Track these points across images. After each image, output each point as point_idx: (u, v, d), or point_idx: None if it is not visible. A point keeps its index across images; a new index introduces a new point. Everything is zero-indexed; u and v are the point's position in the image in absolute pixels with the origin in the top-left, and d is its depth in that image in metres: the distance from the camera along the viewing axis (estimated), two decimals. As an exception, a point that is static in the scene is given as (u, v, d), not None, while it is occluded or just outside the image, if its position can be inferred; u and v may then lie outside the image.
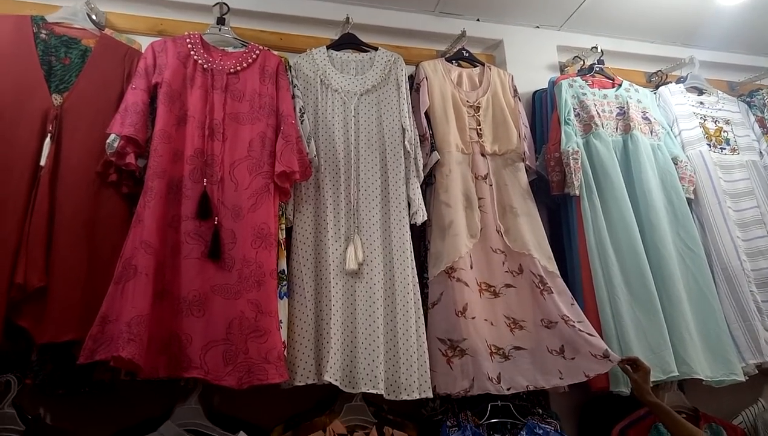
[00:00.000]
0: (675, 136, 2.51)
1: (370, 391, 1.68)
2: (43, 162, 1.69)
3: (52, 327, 1.55)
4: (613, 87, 2.54)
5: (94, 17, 2.03)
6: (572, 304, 2.00)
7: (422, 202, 2.02)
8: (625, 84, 2.55)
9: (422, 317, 1.87)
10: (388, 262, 1.92)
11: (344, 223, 1.95)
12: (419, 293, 1.91)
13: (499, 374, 1.84)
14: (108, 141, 1.73)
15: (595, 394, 1.98)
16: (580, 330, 1.92)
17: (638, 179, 2.28)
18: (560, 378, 1.86)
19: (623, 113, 2.44)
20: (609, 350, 1.89)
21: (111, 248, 1.67)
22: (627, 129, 2.40)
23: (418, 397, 1.72)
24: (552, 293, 1.99)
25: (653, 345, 1.96)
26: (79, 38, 1.92)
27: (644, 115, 2.48)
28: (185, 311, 1.63)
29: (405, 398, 1.71)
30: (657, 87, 2.75)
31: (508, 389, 1.81)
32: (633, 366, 1.85)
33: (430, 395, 1.74)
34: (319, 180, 2.00)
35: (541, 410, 1.89)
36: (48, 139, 1.72)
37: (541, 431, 1.78)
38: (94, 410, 1.68)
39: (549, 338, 1.93)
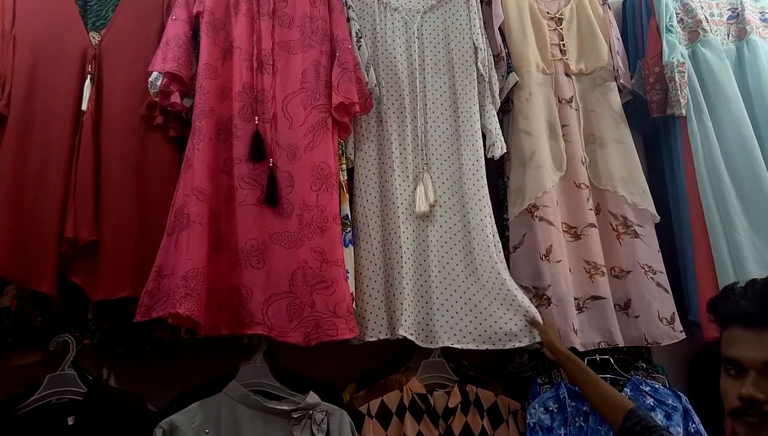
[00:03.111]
0: (802, 39, 2.10)
1: (455, 345, 1.51)
2: (84, 106, 1.58)
3: (106, 283, 1.46)
4: (723, -15, 2.14)
5: (128, -56, 1.84)
6: (658, 251, 1.75)
7: (500, 133, 1.77)
8: (738, -20, 2.14)
9: (503, 260, 1.66)
10: (460, 201, 1.70)
11: (412, 160, 1.73)
12: (497, 233, 1.69)
13: (579, 326, 1.63)
14: (150, 80, 1.59)
15: (708, 344, 1.72)
16: (658, 284, 1.69)
17: (757, 93, 1.92)
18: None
19: (736, 16, 2.06)
20: (675, 316, 1.67)
21: (162, 197, 1.55)
22: (742, 34, 2.02)
23: (528, 343, 1.52)
24: (637, 236, 1.75)
25: (783, 285, 1.67)
26: (114, -32, 1.75)
27: (763, 16, 2.08)
28: (244, 262, 1.50)
29: (510, 346, 1.51)
30: (775, -18, 2.31)
31: (581, 344, 1.60)
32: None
33: (538, 338, 1.53)
34: (381, 113, 1.78)
35: (645, 364, 1.67)
36: (88, 81, 1.61)
37: (648, 388, 1.56)
38: (157, 370, 1.60)
39: (616, 289, 1.71)
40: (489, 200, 1.71)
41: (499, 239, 1.69)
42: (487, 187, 1.72)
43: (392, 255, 1.63)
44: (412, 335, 1.52)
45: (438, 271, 1.61)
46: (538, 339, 1.52)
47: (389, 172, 1.71)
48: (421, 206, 1.65)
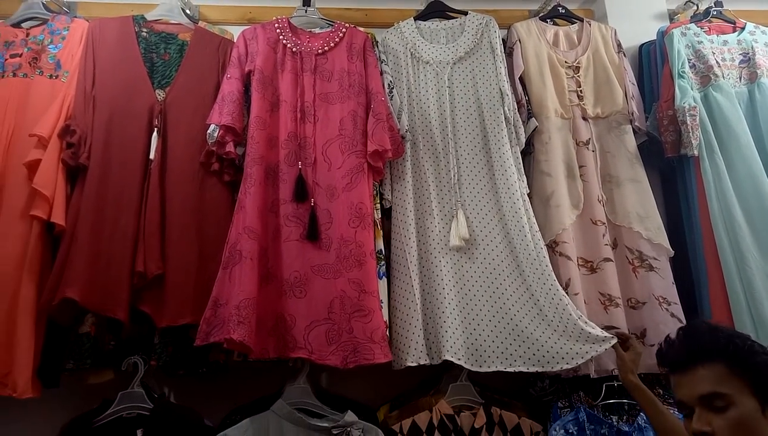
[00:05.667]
0: (813, 82, 2.19)
1: (506, 369, 1.62)
2: (152, 156, 1.78)
3: (170, 312, 1.64)
4: (734, 31, 2.26)
5: (188, 11, 2.10)
6: (672, 283, 1.85)
7: (523, 173, 1.92)
8: (749, 26, 2.26)
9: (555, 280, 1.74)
10: (501, 233, 1.83)
11: (446, 198, 1.89)
12: (547, 256, 1.78)
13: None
14: (209, 131, 1.79)
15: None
16: (672, 314, 1.78)
17: (768, 134, 2.02)
18: None
19: (748, 60, 2.17)
20: None
21: (218, 235, 1.73)
22: (753, 78, 2.13)
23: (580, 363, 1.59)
24: (652, 269, 1.85)
25: (794, 318, 1.75)
26: (176, 33, 2.00)
27: (774, 59, 2.19)
28: (288, 292, 1.67)
29: (558, 368, 1.60)
30: (788, 27, 2.41)
31: (595, 372, 1.70)
32: (624, 344, 1.61)
33: (583, 359, 1.59)
34: (416, 157, 1.95)
35: (662, 391, 1.75)
36: (155, 134, 1.81)
37: (663, 414, 1.64)
38: (212, 389, 1.77)
39: (632, 319, 1.80)
40: (533, 230, 1.80)
41: (548, 261, 1.76)
42: (527, 218, 1.81)
43: (432, 287, 1.75)
44: (459, 359, 1.63)
45: (486, 299, 1.73)
46: (586, 357, 1.58)
47: (425, 211, 1.87)
48: (454, 241, 1.79)
